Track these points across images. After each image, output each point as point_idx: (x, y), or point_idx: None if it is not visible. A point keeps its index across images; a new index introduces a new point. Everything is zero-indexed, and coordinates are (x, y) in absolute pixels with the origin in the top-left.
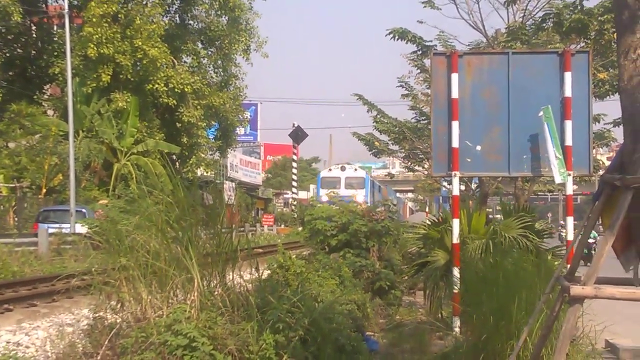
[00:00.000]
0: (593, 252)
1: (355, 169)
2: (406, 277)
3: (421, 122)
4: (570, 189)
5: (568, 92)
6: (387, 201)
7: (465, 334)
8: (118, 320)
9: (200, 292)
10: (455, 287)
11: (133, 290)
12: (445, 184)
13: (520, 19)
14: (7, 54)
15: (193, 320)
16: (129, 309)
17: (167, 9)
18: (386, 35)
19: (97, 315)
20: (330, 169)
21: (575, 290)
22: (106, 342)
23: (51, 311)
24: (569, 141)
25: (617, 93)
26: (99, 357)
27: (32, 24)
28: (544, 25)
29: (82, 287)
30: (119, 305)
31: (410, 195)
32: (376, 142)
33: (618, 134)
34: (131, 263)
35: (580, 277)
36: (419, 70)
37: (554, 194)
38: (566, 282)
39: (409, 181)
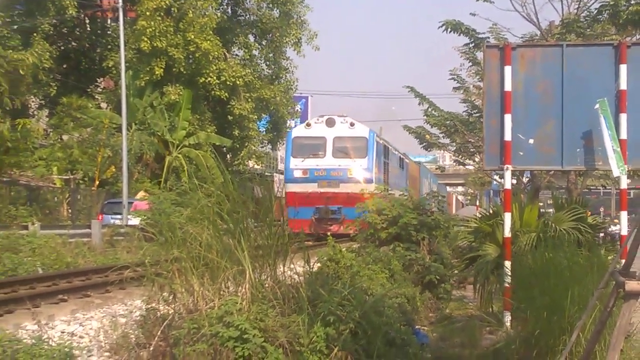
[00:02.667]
0: None
1: (352, 124)
2: (456, 271)
3: (473, 115)
4: (624, 183)
5: (623, 85)
6: (430, 190)
7: (517, 329)
8: (170, 312)
9: (252, 284)
10: (507, 281)
11: (185, 282)
12: (496, 177)
13: (575, 11)
14: (62, 47)
15: (244, 312)
16: (181, 301)
17: (220, 1)
18: (439, 28)
19: (149, 306)
20: (308, 124)
21: (631, 285)
22: (159, 333)
23: (104, 302)
24: (624, 134)
25: None
26: (151, 348)
27: (86, 18)
28: (600, 17)
29: (135, 278)
30: (171, 297)
31: (460, 189)
32: (427, 135)
33: None
34: (183, 255)
35: (636, 272)
36: (471, 63)
37: (607, 188)
38: (621, 277)
39: (459, 175)
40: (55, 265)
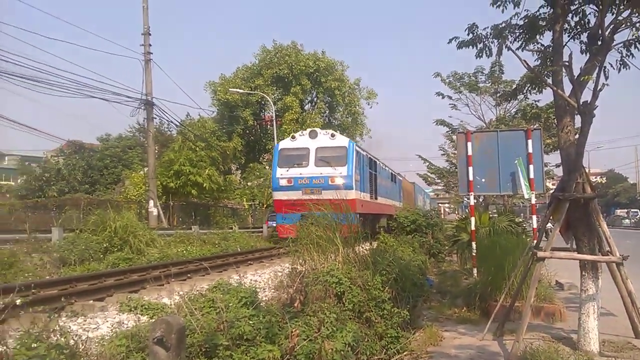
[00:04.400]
0: (549, 233)
1: (333, 135)
2: (447, 247)
3: (451, 168)
4: (533, 200)
5: (530, 150)
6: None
7: (480, 277)
8: (303, 269)
9: (342, 256)
10: (474, 252)
11: (309, 254)
12: (466, 198)
13: (503, 113)
14: (246, 139)
15: (340, 269)
16: (309, 264)
17: (323, 114)
18: (433, 123)
19: (293, 266)
20: (293, 137)
21: (540, 254)
22: (298, 280)
23: (270, 265)
24: (532, 175)
25: (557, 150)
26: (294, 287)
27: (256, 124)
28: (516, 116)
29: (285, 253)
30: (304, 262)
31: (447, 204)
32: (428, 178)
33: (557, 172)
34: (309, 243)
35: (542, 247)
36: (449, 141)
37: (524, 203)
38: (535, 250)
39: (446, 197)
40: (246, 247)
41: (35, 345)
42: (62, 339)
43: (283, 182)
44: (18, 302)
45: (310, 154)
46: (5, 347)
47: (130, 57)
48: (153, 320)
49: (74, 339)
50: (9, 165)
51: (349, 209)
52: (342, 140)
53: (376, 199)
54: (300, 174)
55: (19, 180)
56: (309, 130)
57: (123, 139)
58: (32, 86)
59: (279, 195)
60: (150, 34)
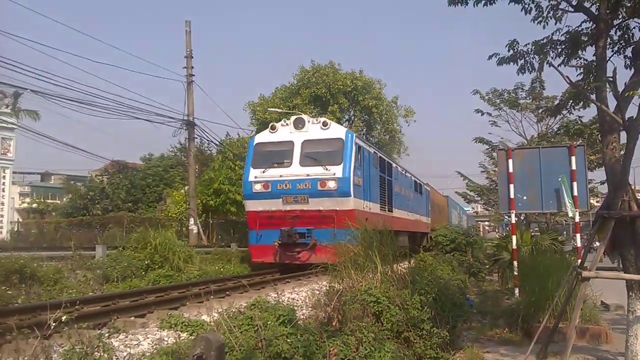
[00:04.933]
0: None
1: (325, 124)
2: (487, 266)
3: (491, 185)
4: (577, 218)
5: (574, 167)
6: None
7: (522, 297)
8: (341, 287)
9: (381, 274)
10: (515, 272)
11: (347, 273)
12: (506, 216)
13: (545, 129)
14: None
15: (378, 288)
16: (346, 282)
17: (360, 132)
18: (472, 141)
19: (330, 284)
20: (273, 127)
21: (585, 273)
22: (335, 298)
23: (308, 283)
24: (575, 192)
25: (601, 167)
26: (331, 306)
27: None
28: (559, 132)
29: (323, 272)
30: (341, 280)
31: (487, 222)
32: (468, 196)
33: (601, 189)
34: (347, 261)
35: (587, 266)
36: (489, 158)
37: (567, 222)
38: (579, 269)
39: (486, 215)
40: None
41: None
42: (105, 355)
43: (257, 188)
44: (64, 318)
45: (295, 150)
46: None
47: (174, 80)
48: (193, 337)
49: (116, 356)
50: (56, 184)
51: (347, 223)
52: (337, 130)
53: (390, 211)
54: (281, 176)
55: (64, 199)
56: (293, 117)
57: (165, 158)
58: (79, 108)
59: (252, 205)
60: (192, 57)
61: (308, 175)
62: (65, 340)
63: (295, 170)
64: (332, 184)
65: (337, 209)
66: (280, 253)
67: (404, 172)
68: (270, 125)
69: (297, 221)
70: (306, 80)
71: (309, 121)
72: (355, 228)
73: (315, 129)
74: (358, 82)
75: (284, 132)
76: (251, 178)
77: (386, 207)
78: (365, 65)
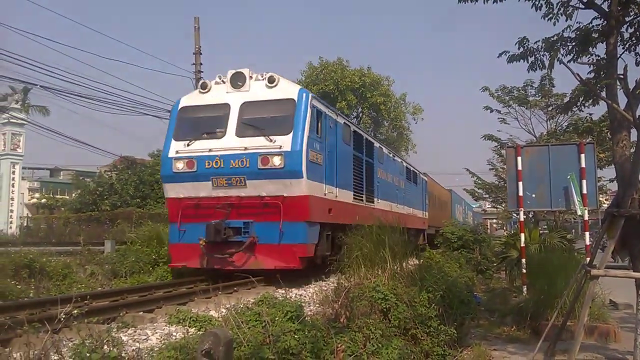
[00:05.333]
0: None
1: (272, 80)
2: (495, 264)
3: (500, 183)
4: (586, 216)
5: (583, 164)
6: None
7: (530, 295)
8: (348, 284)
9: (390, 271)
10: (524, 269)
11: (356, 270)
12: (515, 214)
13: (554, 127)
14: None
15: (386, 285)
16: (354, 279)
17: (368, 128)
18: (480, 138)
19: (339, 281)
20: (204, 85)
21: (594, 271)
22: (343, 295)
23: (316, 281)
24: (584, 190)
25: (611, 165)
26: (339, 302)
27: None
28: (568, 129)
29: (333, 269)
30: (349, 277)
31: (494, 220)
32: (476, 193)
33: (610, 186)
34: (359, 257)
35: (596, 264)
36: (497, 155)
37: (575, 220)
38: (588, 267)
39: (494, 213)
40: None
41: (88, 354)
42: (115, 349)
43: (179, 166)
44: (75, 312)
45: (231, 115)
46: (60, 357)
47: (183, 76)
48: (201, 332)
49: (125, 351)
50: (65, 180)
51: (298, 214)
52: (288, 88)
53: (370, 201)
54: (210, 150)
55: (73, 195)
56: (230, 73)
57: None
58: (89, 104)
59: (172, 190)
60: (201, 54)
61: (246, 148)
62: (74, 335)
63: (229, 143)
64: (277, 160)
65: (285, 194)
66: (207, 255)
67: (391, 156)
68: (200, 83)
69: (232, 212)
70: (314, 77)
71: (251, 77)
72: (312, 221)
73: (258, 88)
74: (366, 79)
75: (218, 92)
76: (171, 154)
77: (362, 196)
78: (373, 63)
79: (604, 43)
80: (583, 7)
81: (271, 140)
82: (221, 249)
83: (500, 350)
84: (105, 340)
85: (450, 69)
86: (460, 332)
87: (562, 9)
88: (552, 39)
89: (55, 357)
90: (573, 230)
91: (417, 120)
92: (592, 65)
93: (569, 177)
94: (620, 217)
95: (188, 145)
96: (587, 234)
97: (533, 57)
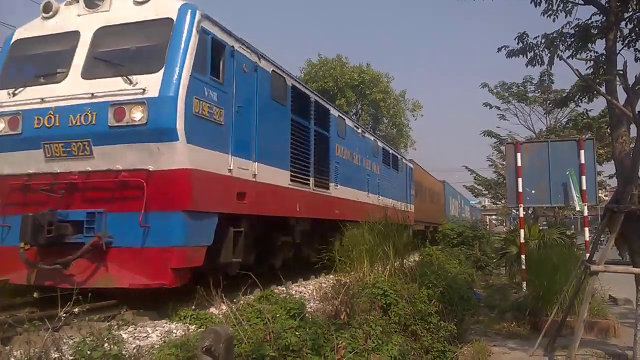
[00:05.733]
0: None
1: None
2: (495, 260)
3: (499, 179)
4: (585, 212)
5: (582, 161)
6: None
7: (529, 291)
8: (348, 280)
9: (390, 267)
10: (523, 266)
11: (355, 266)
12: (515, 210)
13: (553, 122)
14: None
15: (386, 281)
16: (354, 275)
17: (367, 125)
18: (480, 134)
19: (338, 277)
20: (47, 7)
21: (593, 267)
22: (343, 291)
23: (316, 277)
24: (584, 186)
25: (610, 161)
26: (339, 299)
27: None
28: (567, 126)
29: (331, 265)
30: (349, 273)
31: (494, 216)
32: (475, 190)
33: (611, 182)
34: (357, 253)
35: (596, 260)
36: (497, 151)
37: (575, 216)
38: (588, 263)
39: (493, 209)
40: None
41: (89, 352)
42: (115, 347)
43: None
44: (76, 310)
45: (79, 48)
46: (60, 354)
47: None
48: (202, 329)
49: (125, 348)
50: None
51: (171, 200)
52: (163, 4)
53: (323, 187)
54: (43, 101)
55: None
56: None
57: None
58: None
59: None
60: None
61: (93, 95)
62: (75, 332)
63: (71, 88)
64: (137, 113)
65: (151, 168)
66: (33, 266)
67: (360, 132)
68: (43, 4)
69: (75, 196)
70: (313, 73)
71: None
72: (198, 210)
73: (123, 6)
74: (365, 76)
75: (67, 16)
76: None
77: (308, 177)
78: (373, 59)
79: (603, 39)
80: (582, 2)
81: (131, 82)
82: (52, 256)
83: (500, 346)
84: (105, 338)
85: (450, 64)
86: (460, 328)
87: (561, 5)
88: (551, 35)
89: (56, 355)
90: (572, 227)
91: (416, 117)
92: (591, 62)
93: (568, 172)
94: (619, 212)
95: (14, 94)
96: (586, 229)
97: (532, 52)
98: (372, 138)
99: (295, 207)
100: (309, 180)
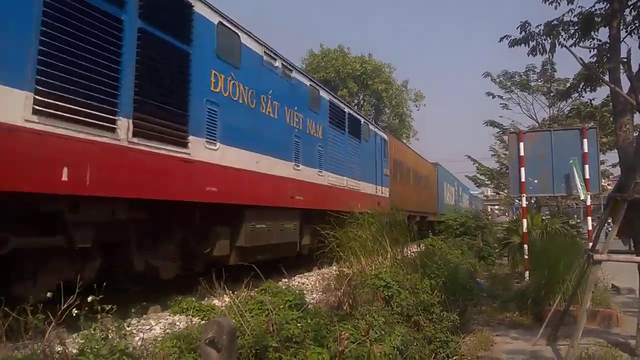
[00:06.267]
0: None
1: None
2: (497, 250)
3: (502, 169)
4: (588, 201)
5: (585, 149)
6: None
7: (532, 280)
8: (350, 272)
9: (391, 258)
10: (526, 255)
11: (357, 258)
12: (517, 200)
13: (556, 112)
14: None
15: (387, 272)
16: (356, 266)
17: (369, 116)
18: (483, 124)
19: (340, 269)
20: None
21: (596, 256)
22: (345, 282)
23: (318, 267)
24: (587, 175)
25: (613, 149)
26: (341, 290)
27: None
28: (570, 115)
29: (333, 257)
30: (351, 265)
31: (497, 206)
32: (478, 180)
33: (614, 171)
34: (356, 246)
35: (599, 249)
36: (500, 141)
37: (578, 205)
38: (591, 252)
39: (496, 199)
40: None
41: (97, 346)
42: (122, 341)
43: None
44: (90, 299)
45: None
46: (64, 348)
47: None
48: (205, 321)
49: (131, 342)
50: None
51: None
52: None
53: (179, 144)
54: None
55: None
56: None
57: None
58: None
59: None
60: None
61: None
62: (79, 326)
63: None
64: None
65: None
66: None
67: (276, 64)
68: None
69: None
70: (315, 64)
71: None
72: None
73: None
74: (367, 66)
75: None
76: None
77: (123, 121)
78: (374, 50)
79: (607, 27)
80: None
81: None
82: None
83: (502, 335)
84: (110, 330)
85: (452, 56)
86: (463, 318)
87: None
88: (553, 23)
89: (60, 349)
90: (575, 216)
91: (419, 107)
92: (594, 50)
93: (571, 161)
94: (623, 201)
95: None
96: (589, 219)
97: (534, 41)
98: (309, 83)
99: (84, 176)
100: (122, 125)
